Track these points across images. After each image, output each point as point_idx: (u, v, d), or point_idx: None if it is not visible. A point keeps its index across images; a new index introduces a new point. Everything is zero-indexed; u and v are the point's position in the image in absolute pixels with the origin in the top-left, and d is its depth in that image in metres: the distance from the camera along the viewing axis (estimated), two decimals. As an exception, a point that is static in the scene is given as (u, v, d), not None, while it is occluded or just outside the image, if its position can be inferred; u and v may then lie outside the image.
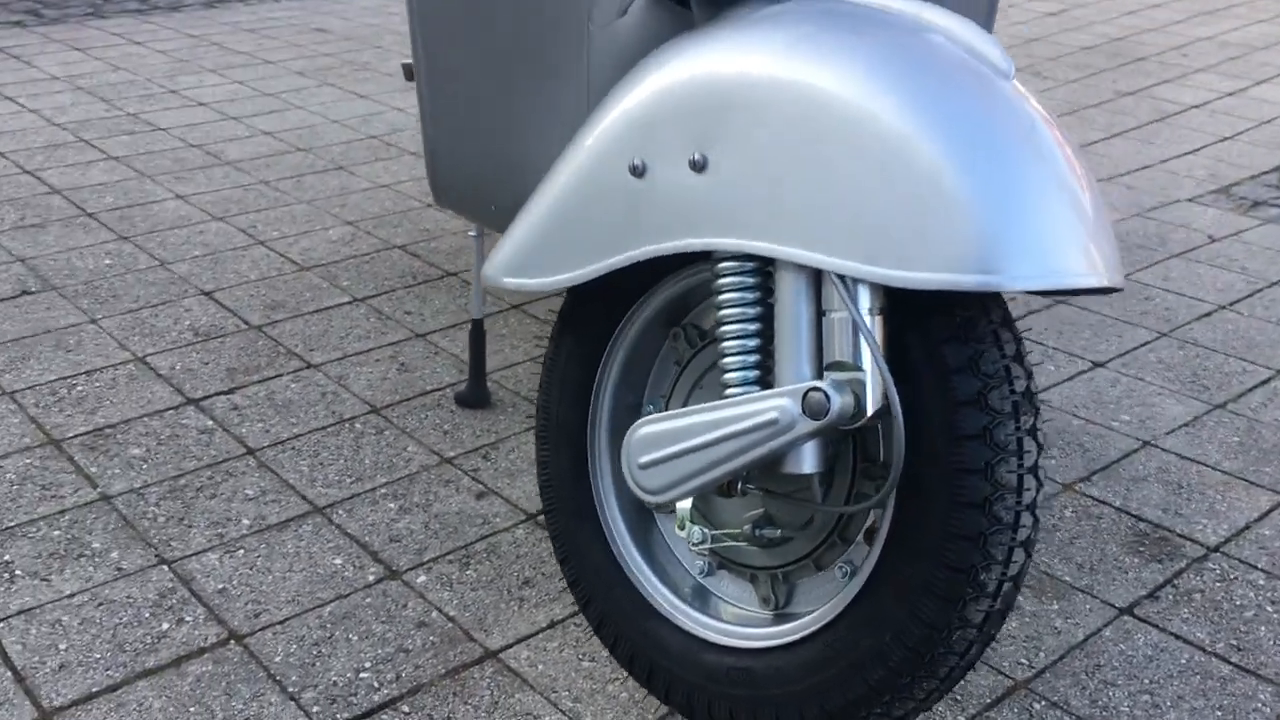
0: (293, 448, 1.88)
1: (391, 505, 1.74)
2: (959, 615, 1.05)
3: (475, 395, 1.99)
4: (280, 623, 1.50)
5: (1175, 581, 1.60)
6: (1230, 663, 1.46)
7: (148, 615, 1.51)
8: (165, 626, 1.49)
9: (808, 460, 1.09)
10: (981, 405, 1.04)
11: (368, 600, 1.54)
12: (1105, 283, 1.03)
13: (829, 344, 1.07)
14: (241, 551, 1.63)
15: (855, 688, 1.10)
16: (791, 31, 1.08)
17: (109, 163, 3.15)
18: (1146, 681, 1.42)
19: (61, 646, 1.46)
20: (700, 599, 1.28)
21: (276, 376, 2.09)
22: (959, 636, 1.06)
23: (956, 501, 1.04)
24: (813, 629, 1.15)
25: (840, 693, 1.11)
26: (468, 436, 1.91)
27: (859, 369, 1.05)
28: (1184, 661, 1.46)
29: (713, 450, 1.10)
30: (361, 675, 1.42)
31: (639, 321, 1.29)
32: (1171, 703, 1.39)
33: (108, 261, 2.54)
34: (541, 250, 1.23)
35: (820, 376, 1.08)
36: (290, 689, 1.39)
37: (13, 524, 1.68)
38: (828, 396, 1.03)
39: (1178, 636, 1.50)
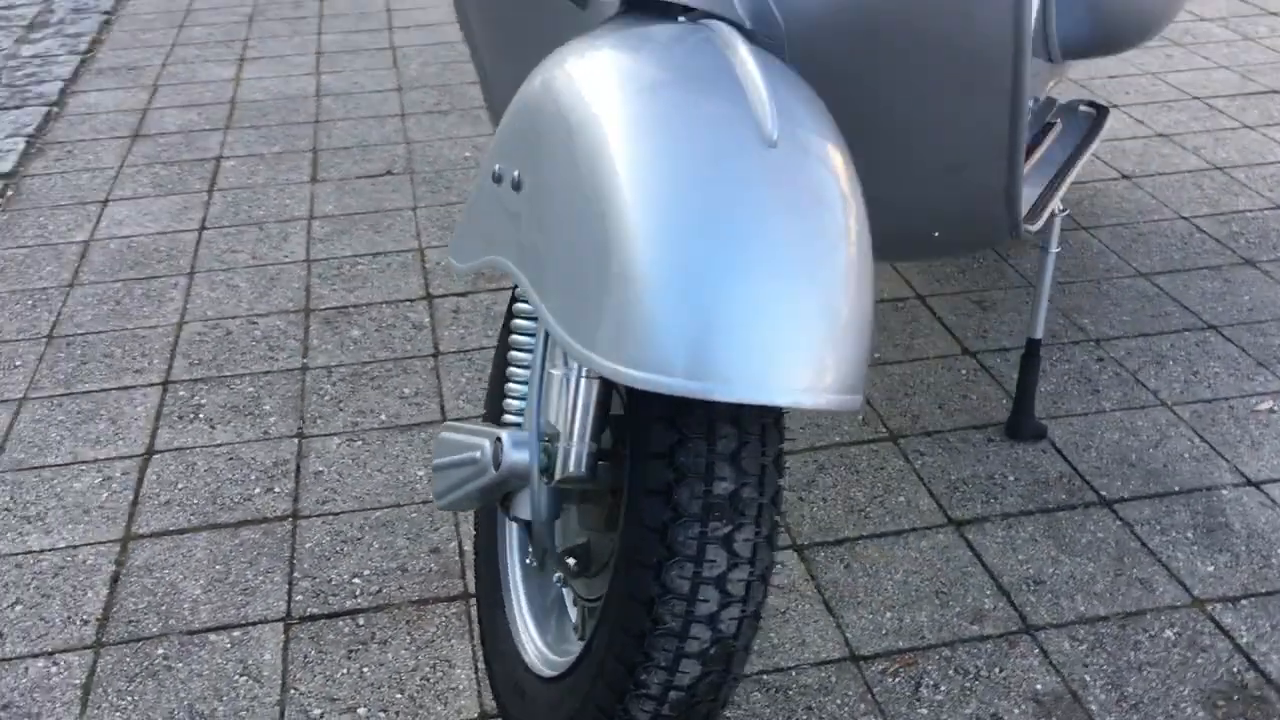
0: (470, 359, 2.04)
1: (504, 433, 1.85)
2: (622, 708, 0.98)
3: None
4: (335, 514, 1.70)
5: (1227, 755, 1.30)
6: None
7: (252, 478, 1.77)
8: (256, 491, 1.75)
9: (521, 504, 1.05)
10: (666, 498, 0.94)
11: (413, 515, 1.69)
12: (824, 404, 0.88)
13: (546, 398, 1.02)
14: (360, 443, 1.84)
15: (563, 744, 1.07)
16: (593, 64, 1.01)
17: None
18: None
19: (179, 486, 1.76)
20: (559, 606, 1.28)
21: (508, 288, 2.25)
22: (627, 730, 0.99)
23: (627, 592, 0.96)
24: (556, 673, 1.12)
25: (556, 743, 1.08)
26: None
27: (559, 430, 1.00)
28: None
29: (458, 471, 1.09)
30: (354, 580, 1.58)
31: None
32: None
33: (467, 154, 2.83)
34: (461, 233, 1.26)
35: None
36: (296, 574, 1.59)
37: (229, 374, 2.02)
38: (502, 449, 0.99)
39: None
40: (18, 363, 2.06)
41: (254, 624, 1.51)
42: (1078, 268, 2.27)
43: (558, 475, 1.00)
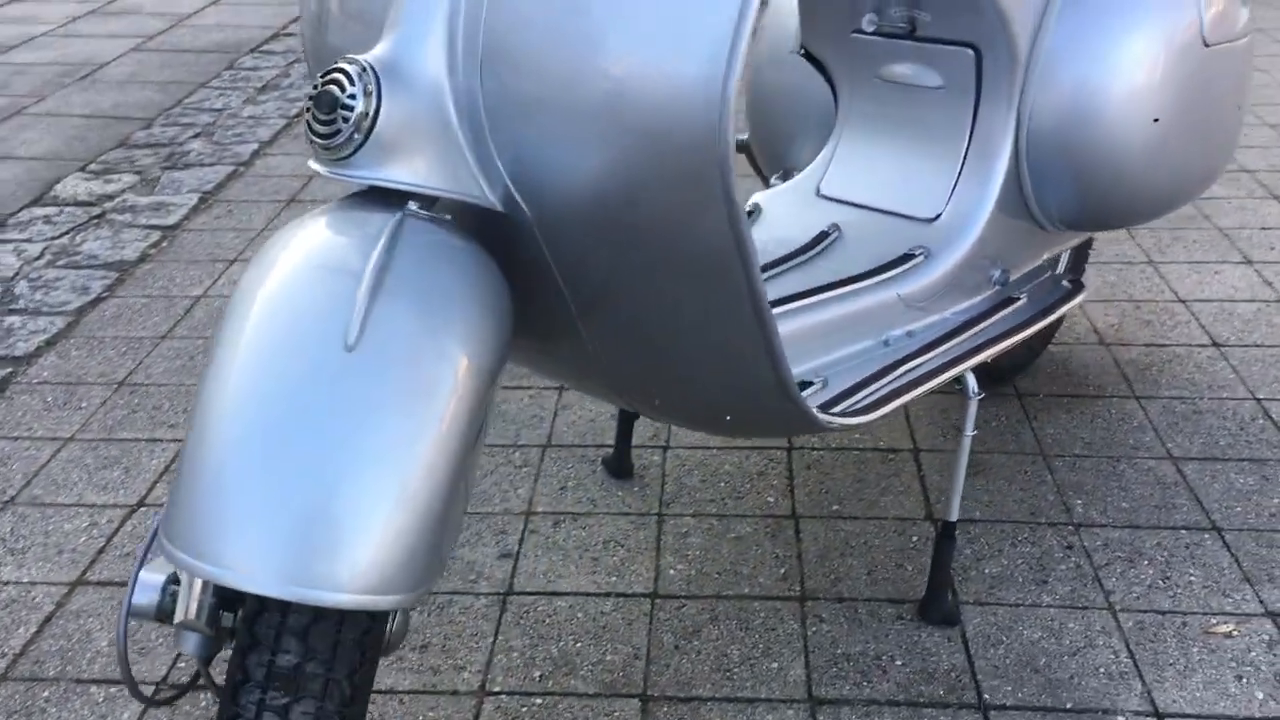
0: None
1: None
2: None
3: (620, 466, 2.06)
4: (254, 590, 1.83)
5: None
6: None
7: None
8: (202, 556, 1.91)
9: (183, 641, 1.13)
10: (241, 660, 1.00)
11: (319, 602, 1.80)
12: (358, 604, 0.93)
13: None
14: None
15: None
16: (279, 241, 1.09)
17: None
18: None
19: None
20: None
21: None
22: None
23: (210, 738, 1.03)
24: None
25: None
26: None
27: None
28: None
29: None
30: (236, 656, 1.70)
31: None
32: None
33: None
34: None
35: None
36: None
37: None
38: (135, 588, 1.08)
39: None
40: (83, 404, 2.34)
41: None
42: (1104, 441, 2.13)
43: (175, 620, 1.08)
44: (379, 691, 1.62)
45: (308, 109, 1.14)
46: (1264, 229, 2.93)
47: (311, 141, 1.15)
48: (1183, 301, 2.60)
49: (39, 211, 3.26)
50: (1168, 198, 1.78)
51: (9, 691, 1.65)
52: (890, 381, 1.57)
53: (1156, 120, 1.67)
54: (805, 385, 1.53)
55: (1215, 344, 2.43)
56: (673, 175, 1.09)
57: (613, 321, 1.26)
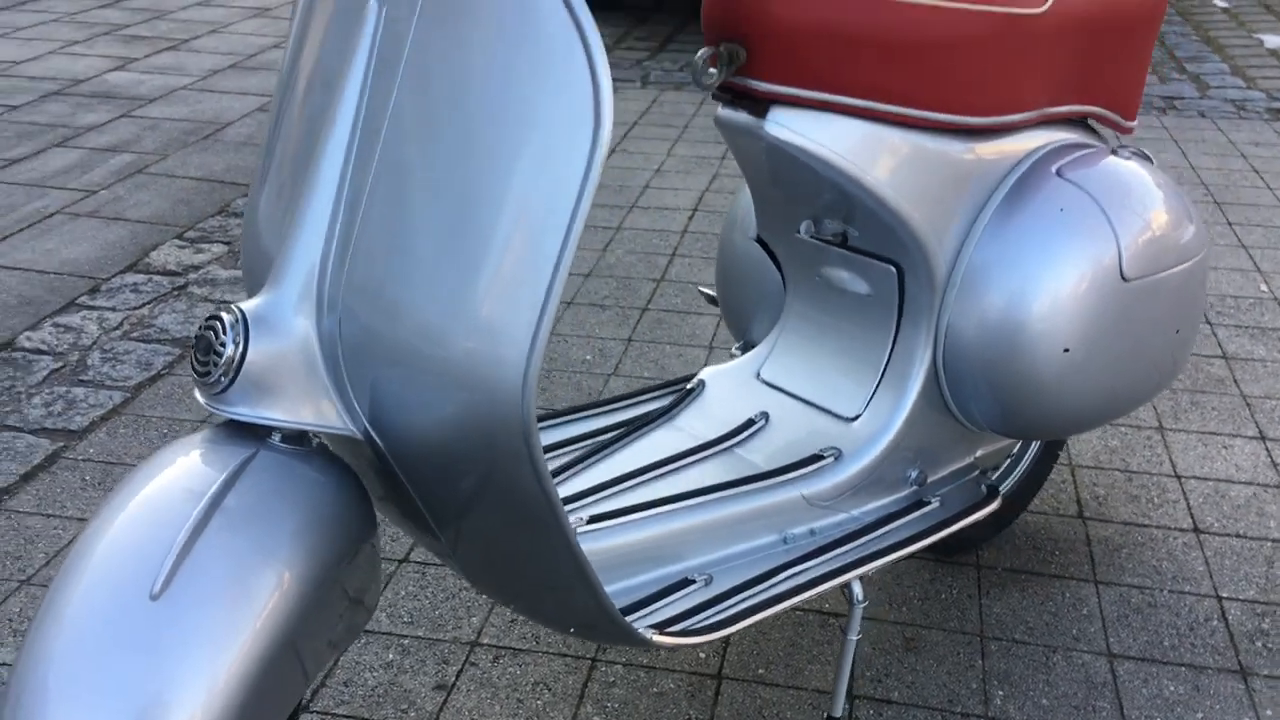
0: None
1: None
2: None
3: None
4: (211, 696, 2.01)
5: None
6: None
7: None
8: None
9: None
10: None
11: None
12: None
13: None
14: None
15: None
16: (140, 474, 1.24)
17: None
18: None
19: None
20: None
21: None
22: None
23: None
24: None
25: None
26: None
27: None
28: None
29: None
30: None
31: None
32: None
33: (588, 357, 3.09)
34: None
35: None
36: None
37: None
38: None
39: None
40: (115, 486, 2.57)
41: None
42: (1048, 627, 2.16)
43: None
44: (288, 815, 1.77)
45: (192, 348, 1.31)
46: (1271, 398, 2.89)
47: (192, 376, 1.31)
48: (1178, 477, 2.60)
49: (130, 279, 3.55)
50: (1091, 417, 1.83)
51: (-23, 773, 1.86)
52: (775, 584, 1.66)
53: (1067, 350, 1.72)
54: (687, 583, 1.63)
55: (1196, 529, 2.42)
56: (490, 437, 1.22)
57: (465, 539, 1.39)
